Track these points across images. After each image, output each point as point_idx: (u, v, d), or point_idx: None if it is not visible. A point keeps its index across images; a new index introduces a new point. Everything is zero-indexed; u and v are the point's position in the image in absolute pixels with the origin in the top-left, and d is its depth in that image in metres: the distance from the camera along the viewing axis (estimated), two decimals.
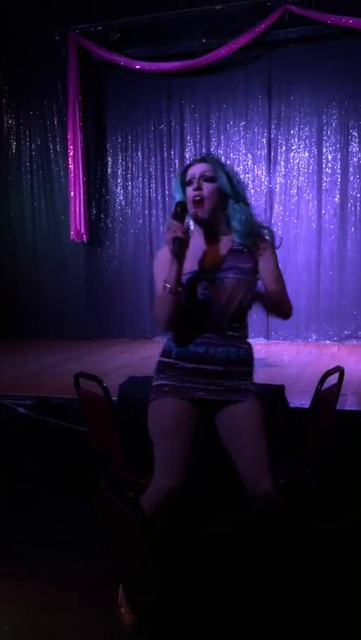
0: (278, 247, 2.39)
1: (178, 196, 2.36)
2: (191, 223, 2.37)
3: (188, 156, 6.94)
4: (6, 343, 6.53)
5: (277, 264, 2.37)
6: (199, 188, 2.29)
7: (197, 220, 2.33)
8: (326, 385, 2.69)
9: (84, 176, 6.90)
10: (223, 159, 6.78)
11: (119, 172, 7.18)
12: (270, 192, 6.70)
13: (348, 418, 3.49)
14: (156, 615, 1.55)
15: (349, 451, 3.35)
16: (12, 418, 3.94)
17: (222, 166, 2.34)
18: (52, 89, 7.07)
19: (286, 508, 2.09)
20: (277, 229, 6.64)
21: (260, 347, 6.43)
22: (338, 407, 3.03)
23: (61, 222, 7.13)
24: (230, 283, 2.27)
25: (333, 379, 2.78)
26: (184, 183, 2.34)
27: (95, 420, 2.80)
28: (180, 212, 2.25)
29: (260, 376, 4.90)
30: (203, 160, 2.36)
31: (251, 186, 6.75)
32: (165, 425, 2.28)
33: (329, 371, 2.73)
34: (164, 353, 2.39)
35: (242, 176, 6.71)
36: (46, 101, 7.14)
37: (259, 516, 1.64)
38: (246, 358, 2.37)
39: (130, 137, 7.13)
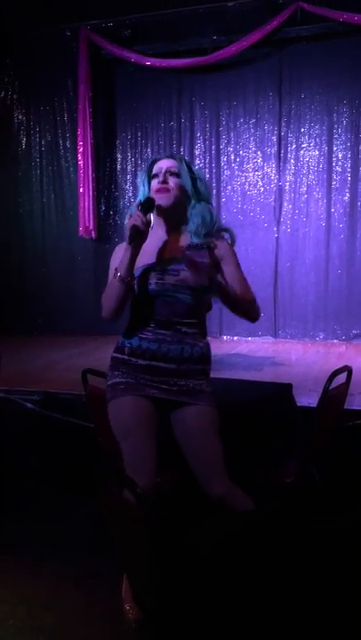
0: (233, 245, 2.39)
1: (142, 189, 2.38)
2: (152, 218, 2.35)
3: (197, 153, 6.93)
4: (14, 338, 6.54)
5: (239, 265, 2.35)
6: (165, 182, 2.31)
7: (160, 212, 2.32)
8: (334, 384, 2.68)
9: (93, 172, 6.90)
10: (233, 156, 6.81)
11: (128, 168, 7.18)
12: (280, 190, 6.68)
13: (356, 417, 3.48)
14: (161, 612, 1.55)
15: (357, 450, 3.34)
16: (19, 413, 3.95)
17: (187, 165, 2.36)
18: (63, 85, 7.08)
19: (292, 509, 2.08)
20: (286, 227, 6.65)
21: (267, 345, 6.43)
22: (345, 406, 3.02)
23: (70, 218, 7.14)
24: (184, 274, 2.25)
25: (341, 378, 2.78)
26: (149, 176, 2.36)
27: (102, 417, 2.79)
28: (147, 204, 2.26)
29: (267, 374, 4.92)
30: (171, 157, 2.40)
31: (260, 183, 6.74)
32: (127, 425, 2.26)
33: (337, 370, 2.72)
34: (117, 349, 2.37)
35: (251, 174, 6.71)
36: (56, 97, 7.15)
37: (263, 516, 1.64)
38: (202, 357, 2.32)
39: (140, 133, 7.13)
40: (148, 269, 2.29)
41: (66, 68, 6.97)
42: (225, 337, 6.74)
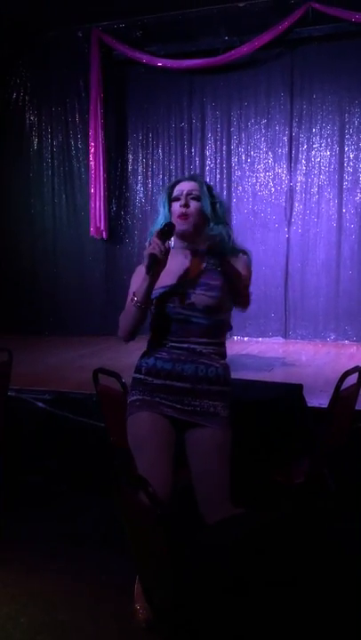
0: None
1: (162, 210, 2.40)
2: (172, 242, 2.40)
3: (208, 153, 6.93)
4: (25, 338, 6.58)
5: (246, 275, 2.35)
6: (186, 205, 2.34)
7: (180, 236, 2.37)
8: (345, 385, 2.68)
9: (104, 173, 6.92)
10: (244, 157, 6.80)
11: (139, 169, 7.20)
12: (291, 190, 6.67)
13: None
14: (173, 612, 1.56)
15: None
16: (30, 412, 3.97)
17: (207, 188, 2.39)
18: (74, 86, 7.11)
19: (306, 512, 2.08)
20: (297, 228, 6.63)
21: (277, 346, 6.41)
22: (356, 407, 3.02)
23: (81, 219, 7.16)
24: (198, 299, 2.29)
25: (352, 379, 2.77)
26: (170, 198, 2.38)
27: (114, 416, 2.81)
28: (167, 231, 2.29)
29: (278, 375, 4.91)
30: (192, 179, 2.42)
31: (271, 184, 6.73)
32: (142, 438, 2.29)
33: (348, 371, 2.72)
34: (136, 369, 2.41)
35: (262, 174, 6.71)
36: (68, 98, 7.17)
37: (278, 519, 1.64)
38: (217, 378, 2.33)
39: (151, 134, 7.14)
40: (164, 291, 2.34)
41: (77, 70, 6.99)
42: (235, 337, 6.74)
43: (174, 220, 2.33)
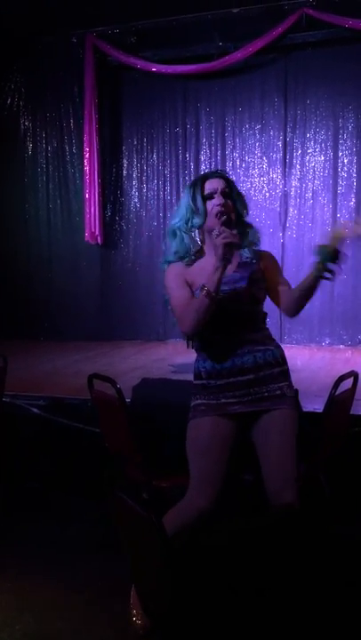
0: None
1: (191, 205, 2.34)
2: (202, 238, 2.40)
3: (202, 158, 6.95)
4: (20, 343, 6.56)
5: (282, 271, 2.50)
6: (225, 205, 2.33)
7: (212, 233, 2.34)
8: (340, 389, 2.68)
9: (99, 178, 6.93)
10: (238, 162, 6.82)
11: (134, 174, 7.21)
12: (285, 195, 6.69)
13: None
14: (169, 619, 1.55)
15: None
16: (25, 418, 3.96)
17: (234, 186, 2.42)
18: (69, 91, 7.12)
19: (302, 516, 2.08)
20: (292, 233, 6.65)
21: None
22: (352, 412, 3.02)
23: (76, 224, 7.16)
24: (238, 287, 2.31)
25: (347, 383, 2.77)
26: (203, 196, 2.35)
27: (109, 422, 2.80)
28: (226, 221, 2.29)
29: None
30: (220, 176, 2.40)
31: (266, 189, 6.75)
32: (201, 444, 2.27)
33: (343, 375, 2.72)
34: (196, 376, 2.38)
35: (257, 179, 6.73)
36: (63, 103, 7.18)
37: (274, 524, 1.63)
38: (276, 359, 2.35)
39: (145, 139, 7.15)
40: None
41: (72, 75, 7.00)
42: None
43: (212, 219, 2.30)
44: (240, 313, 2.31)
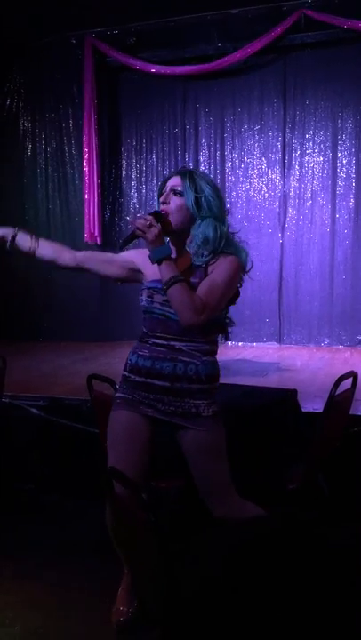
0: (247, 272, 2.31)
1: (156, 205, 2.37)
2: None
3: (202, 159, 6.95)
4: (19, 344, 6.56)
5: (224, 277, 2.20)
6: (166, 202, 2.28)
7: (165, 233, 2.27)
8: (340, 390, 2.68)
9: (98, 179, 6.93)
10: (238, 163, 6.81)
11: (133, 175, 7.21)
12: (284, 196, 6.69)
13: None
14: (166, 619, 1.55)
15: None
16: (24, 419, 3.95)
17: (194, 184, 2.27)
18: (68, 92, 7.12)
19: (297, 515, 2.08)
20: (291, 233, 6.65)
21: (272, 351, 6.42)
22: (351, 412, 3.02)
23: (75, 224, 7.16)
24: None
25: (347, 383, 2.77)
26: (160, 195, 2.35)
27: (108, 422, 2.80)
28: (157, 216, 2.24)
29: (272, 380, 4.92)
30: (177, 173, 2.34)
31: (265, 190, 6.75)
32: (115, 437, 2.28)
33: (343, 375, 2.72)
34: (125, 366, 2.37)
35: (256, 180, 6.72)
36: (62, 104, 7.18)
37: (271, 524, 1.63)
38: (198, 376, 2.22)
39: (144, 140, 7.16)
40: (146, 287, 2.33)
41: (71, 76, 7.00)
42: (230, 343, 6.72)
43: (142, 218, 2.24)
44: (168, 319, 2.25)
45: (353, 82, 6.34)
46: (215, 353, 2.32)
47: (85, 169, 6.90)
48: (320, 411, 2.78)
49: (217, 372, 2.30)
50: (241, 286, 2.33)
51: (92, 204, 6.88)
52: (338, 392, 2.67)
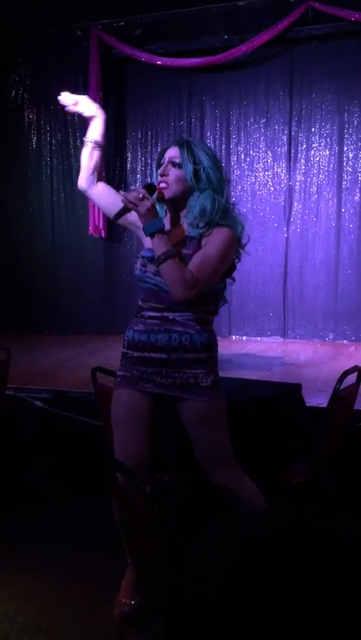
0: (243, 245, 2.31)
1: (155, 177, 2.34)
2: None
3: None
4: (24, 337, 6.57)
5: (217, 251, 2.18)
6: (164, 174, 2.27)
7: (162, 203, 2.28)
8: (344, 384, 2.67)
9: (103, 171, 6.90)
10: (243, 156, 6.78)
11: (138, 167, 7.19)
12: (290, 190, 6.66)
13: None
14: (170, 612, 1.55)
15: None
16: (28, 411, 3.96)
17: (193, 155, 2.25)
18: (73, 84, 7.06)
19: (301, 510, 2.08)
20: (296, 227, 6.62)
21: (276, 345, 6.41)
22: (356, 407, 3.01)
23: (80, 217, 7.15)
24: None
25: (351, 378, 2.77)
26: (158, 165, 2.33)
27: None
28: (150, 188, 2.23)
29: (276, 374, 4.91)
30: (176, 144, 2.31)
31: (270, 183, 6.73)
32: (117, 416, 2.31)
33: (347, 370, 2.72)
34: (123, 342, 2.38)
35: (262, 173, 6.69)
36: None
37: (275, 518, 1.63)
38: (193, 345, 2.22)
39: (150, 133, 7.13)
40: (140, 255, 2.34)
41: (76, 68, 6.97)
42: (234, 337, 6.73)
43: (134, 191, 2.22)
44: (160, 289, 2.24)
45: (360, 75, 6.30)
46: (211, 323, 2.32)
47: None
48: (324, 405, 2.78)
49: (213, 341, 2.31)
50: (239, 260, 2.34)
51: None
52: (342, 387, 2.66)
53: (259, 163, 6.76)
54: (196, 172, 2.23)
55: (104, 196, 2.47)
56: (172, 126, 7.02)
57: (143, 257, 2.32)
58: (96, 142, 2.44)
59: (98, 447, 3.27)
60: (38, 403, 3.96)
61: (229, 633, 1.37)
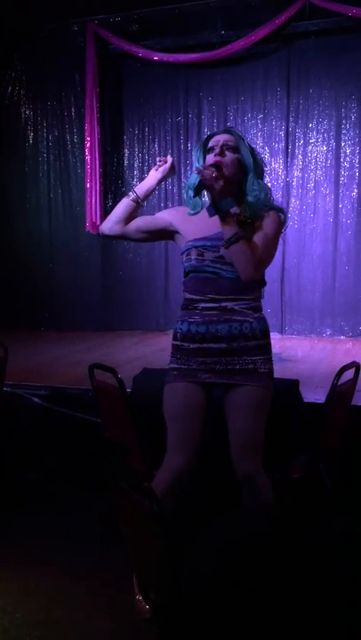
0: (284, 229, 2.39)
1: (196, 165, 2.34)
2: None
3: None
4: (21, 333, 6.56)
5: (274, 233, 2.28)
6: (222, 154, 2.28)
7: (206, 189, 2.26)
8: (342, 380, 2.67)
9: (100, 167, 6.89)
10: None
11: (136, 163, 7.18)
12: (287, 185, 6.66)
13: None
14: (169, 609, 1.55)
15: None
16: (26, 408, 3.96)
17: (245, 140, 2.34)
18: (70, 80, 7.07)
19: (301, 506, 2.08)
20: (294, 223, 6.62)
21: (274, 341, 6.34)
22: (353, 403, 3.02)
23: (77, 214, 7.14)
24: (223, 250, 2.24)
25: (349, 374, 2.77)
26: (205, 151, 2.34)
27: (110, 411, 2.80)
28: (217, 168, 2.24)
29: (274, 370, 4.88)
30: (227, 131, 2.37)
31: (268, 179, 6.71)
32: (176, 410, 2.31)
33: (345, 366, 2.71)
34: (174, 336, 2.39)
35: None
36: (64, 92, 7.14)
37: (276, 514, 1.63)
38: (253, 333, 2.29)
39: (147, 129, 7.12)
40: (192, 246, 2.31)
41: (73, 63, 6.95)
42: None
43: (205, 172, 2.20)
44: (219, 277, 2.27)
45: (357, 71, 6.29)
46: (262, 309, 2.38)
47: (87, 158, 6.86)
48: (322, 401, 2.78)
49: (268, 327, 2.37)
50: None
51: (93, 192, 6.85)
52: (340, 382, 2.66)
53: None
54: (254, 157, 2.31)
55: (142, 226, 2.44)
56: (170, 122, 7.01)
57: (197, 246, 2.30)
58: (142, 200, 2.42)
59: (96, 444, 3.27)
60: (36, 399, 3.95)
61: (229, 632, 1.37)
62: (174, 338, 2.38)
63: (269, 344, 2.36)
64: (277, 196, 6.64)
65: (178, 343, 2.35)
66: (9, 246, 7.39)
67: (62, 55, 7.00)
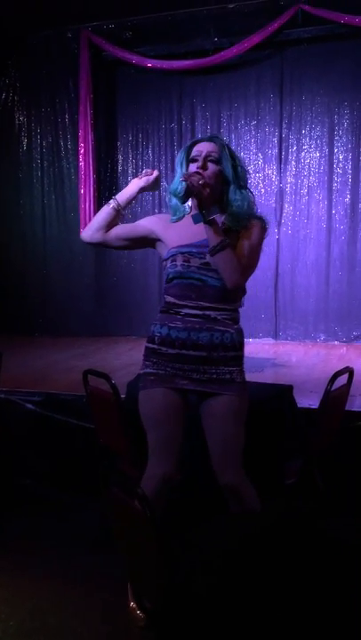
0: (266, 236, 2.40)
1: (179, 171, 2.36)
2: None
3: None
4: (15, 339, 6.54)
5: (258, 240, 2.32)
6: (204, 167, 2.29)
7: (196, 198, 2.26)
8: (335, 386, 2.68)
9: (94, 174, 6.90)
10: None
11: (129, 170, 7.18)
12: (281, 192, 6.68)
13: (357, 419, 3.48)
14: (163, 614, 1.55)
15: (357, 452, 3.33)
16: (20, 414, 3.95)
17: (228, 150, 2.34)
18: (64, 86, 7.08)
19: (294, 510, 2.08)
20: (287, 229, 6.65)
21: (268, 347, 6.42)
22: (346, 408, 3.03)
23: (71, 220, 7.14)
24: (210, 257, 2.25)
25: (342, 379, 2.78)
26: (188, 159, 2.35)
27: (103, 417, 2.80)
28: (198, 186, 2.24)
29: (268, 376, 4.91)
30: (210, 140, 2.36)
31: (261, 185, 6.74)
32: (155, 416, 2.30)
33: (339, 371, 2.72)
34: (149, 338, 2.38)
35: (252, 175, 6.71)
36: (58, 99, 7.15)
37: (268, 519, 1.63)
38: (233, 344, 2.32)
39: (141, 135, 7.13)
40: (177, 252, 2.31)
41: (67, 70, 6.97)
42: None
43: (189, 181, 2.22)
44: (205, 284, 2.28)
45: (350, 77, 6.33)
46: (239, 320, 2.41)
47: (81, 164, 6.87)
48: (316, 406, 2.79)
49: (244, 339, 2.40)
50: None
51: (87, 198, 6.86)
52: (334, 388, 2.67)
53: (249, 165, 6.76)
54: (235, 169, 2.32)
55: (121, 234, 2.45)
56: (163, 128, 7.03)
57: (183, 252, 2.31)
58: (122, 208, 2.44)
59: (90, 449, 3.27)
60: (30, 405, 3.95)
61: (224, 632, 1.37)
62: (150, 341, 2.36)
63: (243, 355, 2.39)
64: (271, 202, 6.68)
65: (155, 347, 2.34)
66: (3, 252, 7.38)
67: (56, 62, 7.02)
